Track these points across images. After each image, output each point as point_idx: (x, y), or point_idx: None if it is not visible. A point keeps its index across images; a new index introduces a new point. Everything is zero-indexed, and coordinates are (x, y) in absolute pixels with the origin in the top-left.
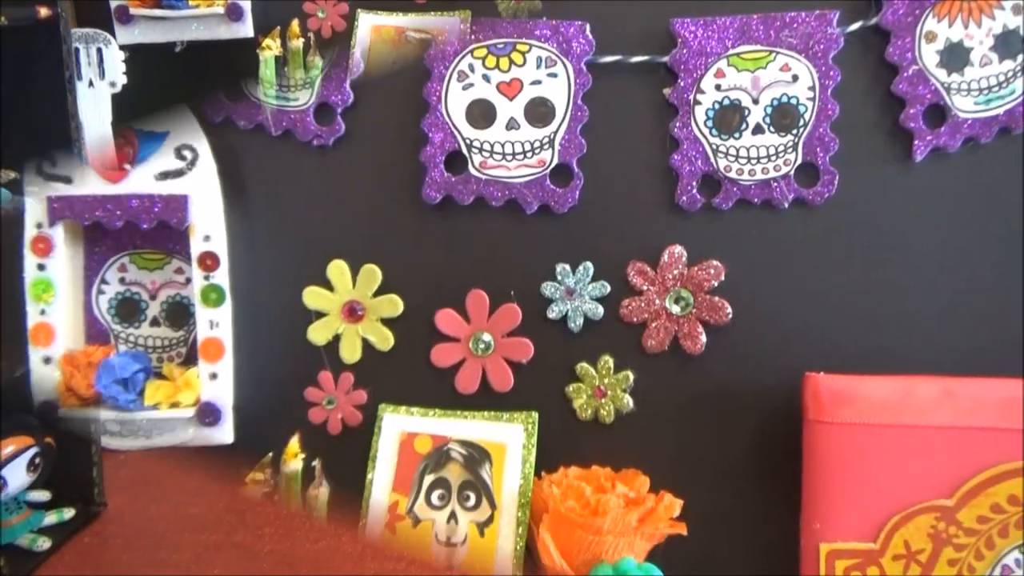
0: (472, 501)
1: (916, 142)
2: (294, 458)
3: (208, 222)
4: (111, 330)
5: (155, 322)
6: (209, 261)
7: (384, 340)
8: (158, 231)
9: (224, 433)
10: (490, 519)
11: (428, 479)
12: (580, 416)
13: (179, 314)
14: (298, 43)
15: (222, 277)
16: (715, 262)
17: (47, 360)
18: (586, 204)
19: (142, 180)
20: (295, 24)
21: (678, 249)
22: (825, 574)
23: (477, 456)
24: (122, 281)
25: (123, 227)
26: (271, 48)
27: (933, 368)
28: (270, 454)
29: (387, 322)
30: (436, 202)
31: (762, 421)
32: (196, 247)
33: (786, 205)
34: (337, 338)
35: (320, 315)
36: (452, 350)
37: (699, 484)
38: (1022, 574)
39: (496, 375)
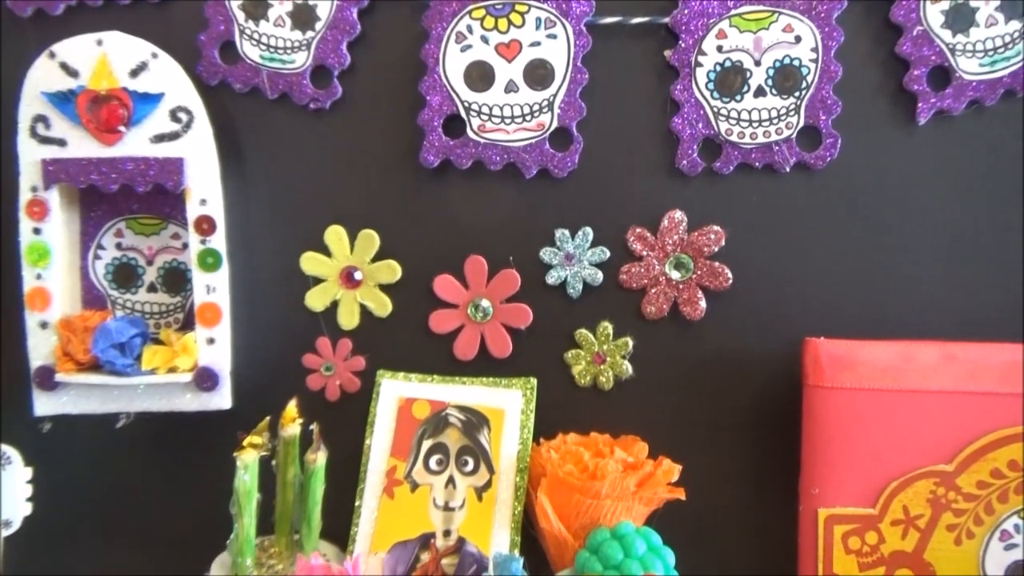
0: (470, 466)
1: (920, 104)
2: (292, 423)
3: (204, 185)
4: (108, 296)
5: (152, 288)
6: (205, 225)
7: (382, 306)
8: (154, 195)
9: (222, 399)
10: (488, 484)
11: (426, 444)
12: (579, 383)
13: (176, 280)
14: (294, 429)
15: (219, 241)
16: (715, 227)
17: (43, 325)
18: (586, 168)
19: (137, 143)
20: (292, 406)
21: (678, 214)
22: (823, 539)
23: (475, 421)
24: (119, 247)
25: (119, 191)
26: (256, 446)
27: (934, 333)
28: (267, 418)
29: (385, 288)
30: (434, 166)
31: (762, 387)
32: (192, 211)
33: (788, 169)
34: (335, 304)
35: (318, 281)
36: (450, 316)
37: (698, 450)
38: (1022, 540)
39: (495, 341)
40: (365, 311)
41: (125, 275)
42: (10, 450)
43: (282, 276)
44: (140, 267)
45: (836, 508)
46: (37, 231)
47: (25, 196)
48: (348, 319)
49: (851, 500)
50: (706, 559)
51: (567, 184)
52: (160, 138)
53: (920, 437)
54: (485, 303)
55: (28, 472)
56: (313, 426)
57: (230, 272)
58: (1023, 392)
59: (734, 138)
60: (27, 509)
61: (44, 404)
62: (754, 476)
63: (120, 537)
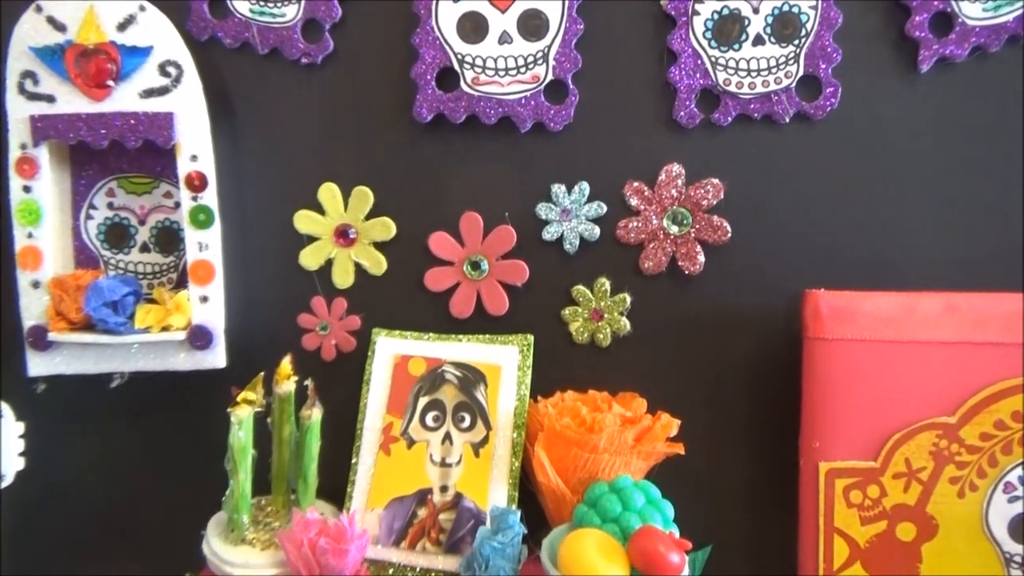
0: (467, 422)
1: (922, 51)
2: (286, 380)
3: (195, 141)
4: (100, 256)
5: (145, 248)
6: (197, 181)
7: (377, 264)
8: (145, 154)
9: (216, 357)
10: (485, 440)
11: (422, 401)
12: (576, 340)
13: (169, 239)
14: (289, 387)
15: (210, 198)
16: (714, 180)
17: (35, 284)
18: (581, 122)
19: (126, 98)
20: (287, 363)
21: (676, 167)
22: (824, 493)
23: (472, 378)
24: (110, 206)
25: (110, 150)
26: (250, 402)
27: (936, 284)
28: (261, 374)
29: (380, 246)
30: (428, 121)
31: (762, 341)
32: (183, 167)
33: (787, 119)
34: (329, 263)
35: (312, 239)
36: (446, 274)
37: (697, 406)
38: None
39: (491, 299)
40: (360, 269)
41: (117, 235)
42: (2, 405)
43: (276, 234)
44: (132, 227)
45: (837, 462)
46: (27, 189)
47: (15, 154)
48: (343, 278)
49: (852, 453)
50: (705, 514)
51: (563, 138)
52: (149, 93)
53: (922, 389)
54: (481, 260)
55: (20, 427)
56: (307, 382)
57: (223, 230)
58: None
59: (732, 88)
60: (20, 464)
61: (38, 364)
62: (754, 431)
63: (116, 497)
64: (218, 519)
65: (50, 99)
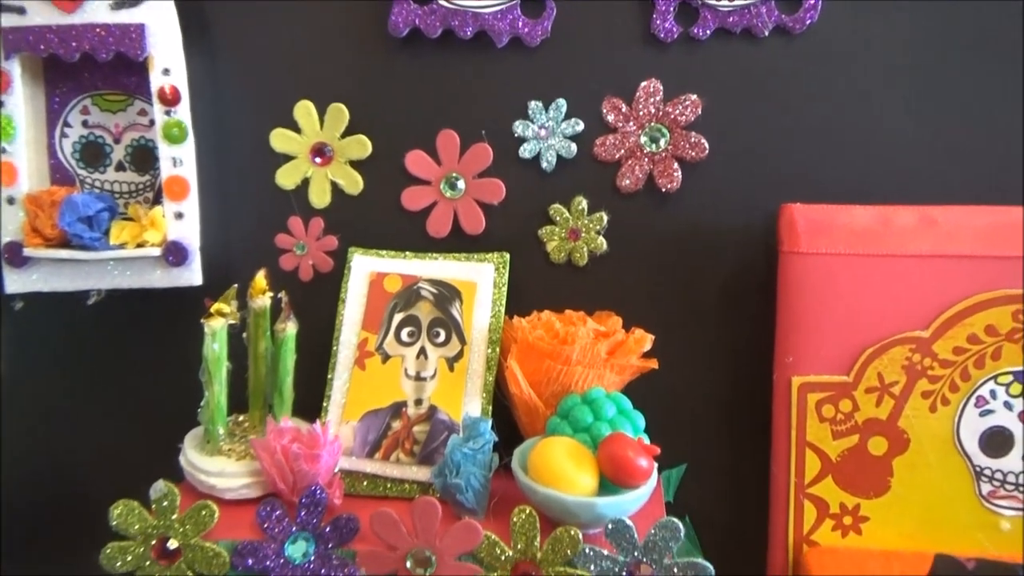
0: (442, 337)
1: None
2: (261, 294)
3: (167, 54)
4: (76, 175)
5: (120, 167)
6: (169, 95)
7: (353, 183)
8: (119, 70)
9: (192, 274)
10: (460, 355)
11: (398, 317)
12: (553, 259)
13: (144, 158)
14: (264, 301)
15: (184, 112)
16: (692, 96)
17: (11, 201)
18: (558, 36)
19: (97, 10)
20: (261, 277)
21: (654, 83)
22: (797, 408)
23: (447, 294)
24: (85, 124)
25: (83, 65)
26: (224, 315)
27: (915, 198)
28: (235, 285)
29: (356, 165)
30: (403, 35)
31: (739, 259)
32: (155, 81)
33: (766, 33)
34: (306, 182)
35: (288, 158)
36: (423, 193)
37: (674, 324)
38: (997, 405)
39: (468, 218)
40: (337, 189)
41: (92, 153)
42: None
43: (251, 153)
44: (108, 145)
45: (810, 376)
46: (0, 104)
47: None
48: (319, 197)
49: (825, 368)
50: (679, 430)
51: (539, 53)
52: (120, 4)
53: (896, 303)
54: (457, 178)
55: None
56: (282, 295)
57: (197, 148)
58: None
59: (711, 1)
60: None
61: (15, 282)
62: (730, 348)
63: (94, 413)
64: (195, 434)
65: (20, 11)
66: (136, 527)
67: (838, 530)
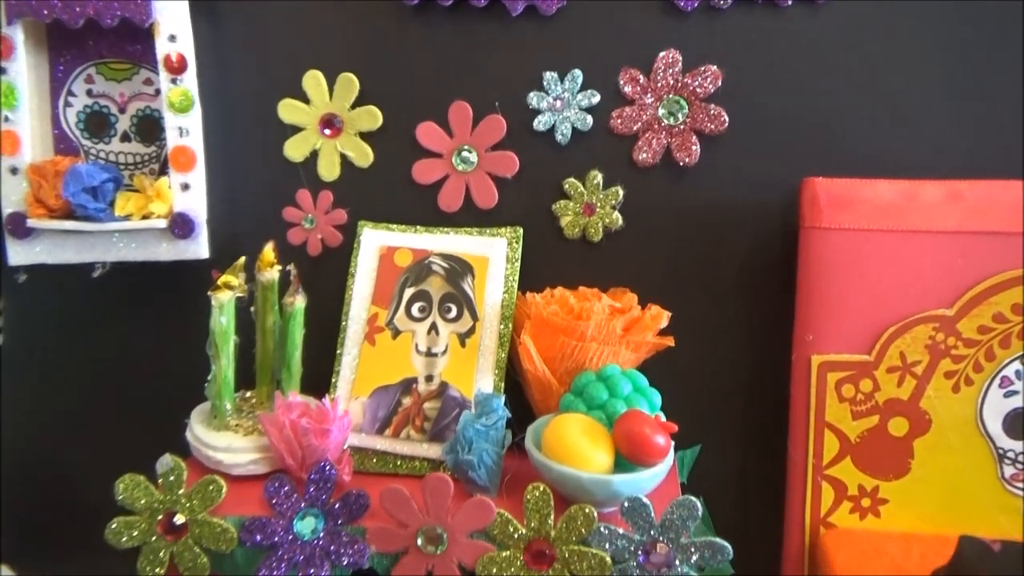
0: (453, 313)
1: None
2: (269, 267)
3: (173, 20)
4: (81, 145)
5: (126, 137)
6: (176, 63)
7: (363, 155)
8: (124, 38)
9: (199, 247)
10: (472, 330)
11: (408, 292)
12: (567, 234)
13: (150, 129)
14: (272, 275)
15: (190, 81)
16: (712, 67)
17: (14, 171)
18: (575, 5)
19: None
20: (269, 249)
21: (673, 53)
22: (816, 387)
23: (459, 269)
24: (89, 93)
25: (87, 33)
26: (231, 287)
27: (940, 173)
28: (243, 258)
29: (366, 136)
30: (415, 2)
31: (758, 235)
32: (161, 48)
33: (789, 2)
34: (315, 154)
35: (296, 129)
36: (434, 166)
37: (691, 301)
38: (1022, 386)
39: (480, 191)
40: (346, 161)
41: (97, 123)
42: None
43: (259, 124)
44: (112, 115)
45: (830, 355)
46: (3, 71)
47: None
48: (328, 170)
49: (846, 347)
50: (694, 409)
51: (555, 22)
52: None
53: (920, 280)
54: (470, 151)
55: None
56: (290, 267)
57: (204, 118)
58: None
59: None
60: None
61: (18, 253)
62: (748, 325)
63: (98, 387)
64: (201, 409)
65: None
66: (142, 502)
67: (856, 512)
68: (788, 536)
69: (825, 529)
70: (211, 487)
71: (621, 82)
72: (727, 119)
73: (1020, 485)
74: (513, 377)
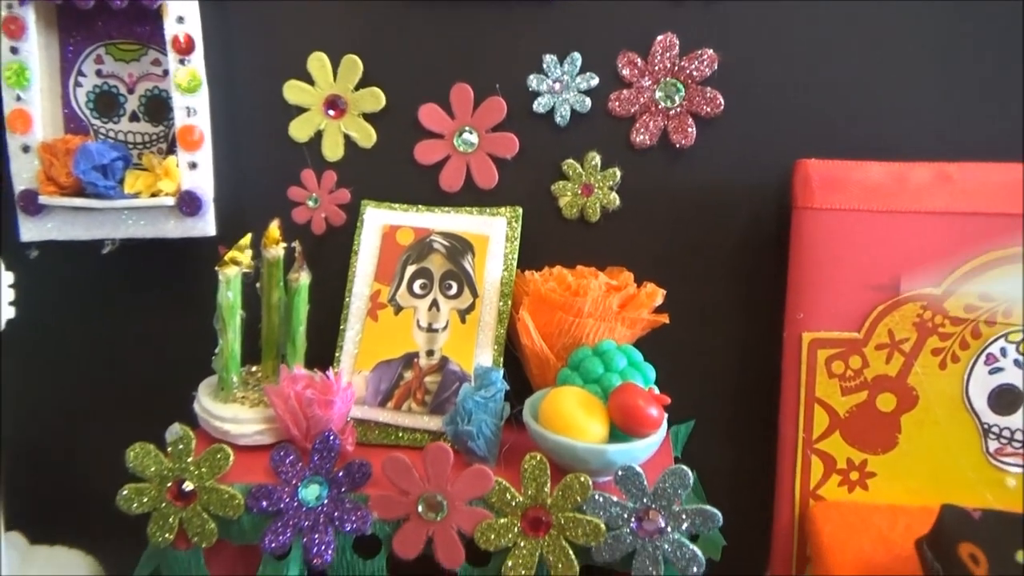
0: (454, 290)
1: None
2: (275, 244)
3: (181, 2)
4: (91, 125)
5: (135, 117)
6: (184, 44)
7: (367, 136)
8: (133, 19)
9: (206, 224)
10: (472, 307)
11: (410, 269)
12: (566, 215)
13: (158, 108)
14: (277, 251)
15: (198, 61)
16: (709, 51)
17: (25, 149)
18: None
19: None
20: (275, 227)
21: (670, 37)
22: (807, 363)
23: (460, 247)
24: (99, 73)
25: (97, 14)
26: (238, 263)
27: (931, 155)
28: (249, 234)
29: (369, 117)
30: None
31: (753, 216)
32: (170, 29)
33: None
34: (319, 134)
35: (301, 110)
36: (436, 147)
37: (687, 281)
38: (1007, 363)
39: (480, 172)
40: (349, 142)
41: (106, 103)
42: None
43: (265, 105)
44: (122, 95)
45: (821, 332)
46: (15, 50)
47: (2, 13)
48: (332, 150)
49: (836, 324)
50: (688, 385)
51: (555, 6)
52: None
53: (909, 260)
54: (471, 132)
55: (10, 276)
56: (295, 244)
57: (211, 98)
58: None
59: None
60: (10, 313)
61: (30, 230)
62: (741, 303)
63: (107, 361)
64: (208, 382)
65: None
66: (152, 469)
67: (844, 485)
68: (778, 508)
69: (814, 501)
70: (219, 455)
71: (619, 65)
72: (722, 102)
73: (1004, 459)
74: (512, 352)
